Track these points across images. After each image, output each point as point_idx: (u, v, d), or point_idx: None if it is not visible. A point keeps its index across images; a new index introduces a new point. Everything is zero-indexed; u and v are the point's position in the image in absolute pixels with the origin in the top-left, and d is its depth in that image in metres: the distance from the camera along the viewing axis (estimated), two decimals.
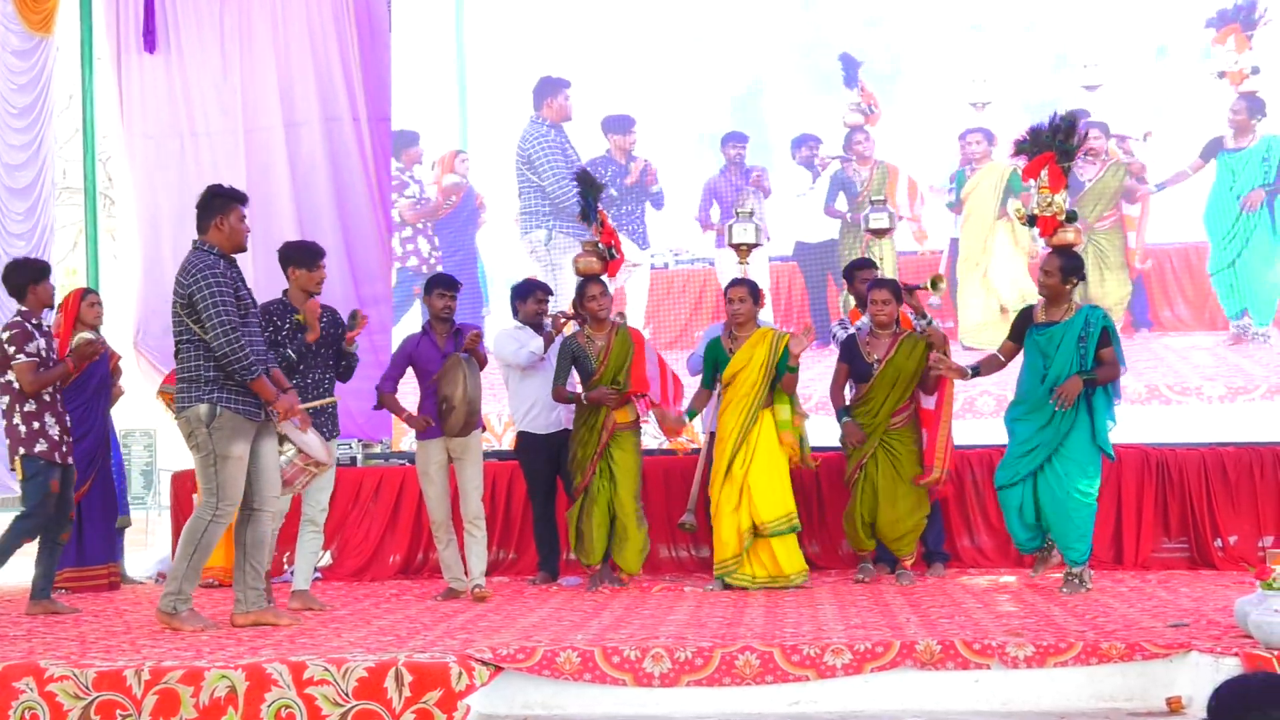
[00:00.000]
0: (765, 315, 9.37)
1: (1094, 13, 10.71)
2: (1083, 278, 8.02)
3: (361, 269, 11.38)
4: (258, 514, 7.05)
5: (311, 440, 7.36)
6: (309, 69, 11.48)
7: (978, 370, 8.35)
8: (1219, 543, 9.35)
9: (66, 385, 8.43)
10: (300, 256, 7.96)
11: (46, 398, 7.98)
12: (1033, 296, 9.54)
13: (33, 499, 7.95)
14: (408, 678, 5.61)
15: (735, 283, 8.70)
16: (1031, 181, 8.03)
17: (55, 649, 6.34)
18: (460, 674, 5.66)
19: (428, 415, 8.34)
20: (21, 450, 7.93)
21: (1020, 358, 8.17)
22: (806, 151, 10.89)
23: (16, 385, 7.91)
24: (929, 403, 8.71)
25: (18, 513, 8.12)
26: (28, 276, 8.12)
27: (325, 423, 7.94)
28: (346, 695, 5.59)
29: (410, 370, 8.62)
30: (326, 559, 10.07)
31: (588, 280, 8.68)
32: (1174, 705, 5.67)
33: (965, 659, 5.85)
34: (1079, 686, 5.81)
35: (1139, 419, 10.01)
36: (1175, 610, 6.98)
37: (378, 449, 11.15)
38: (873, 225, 9.30)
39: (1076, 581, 7.87)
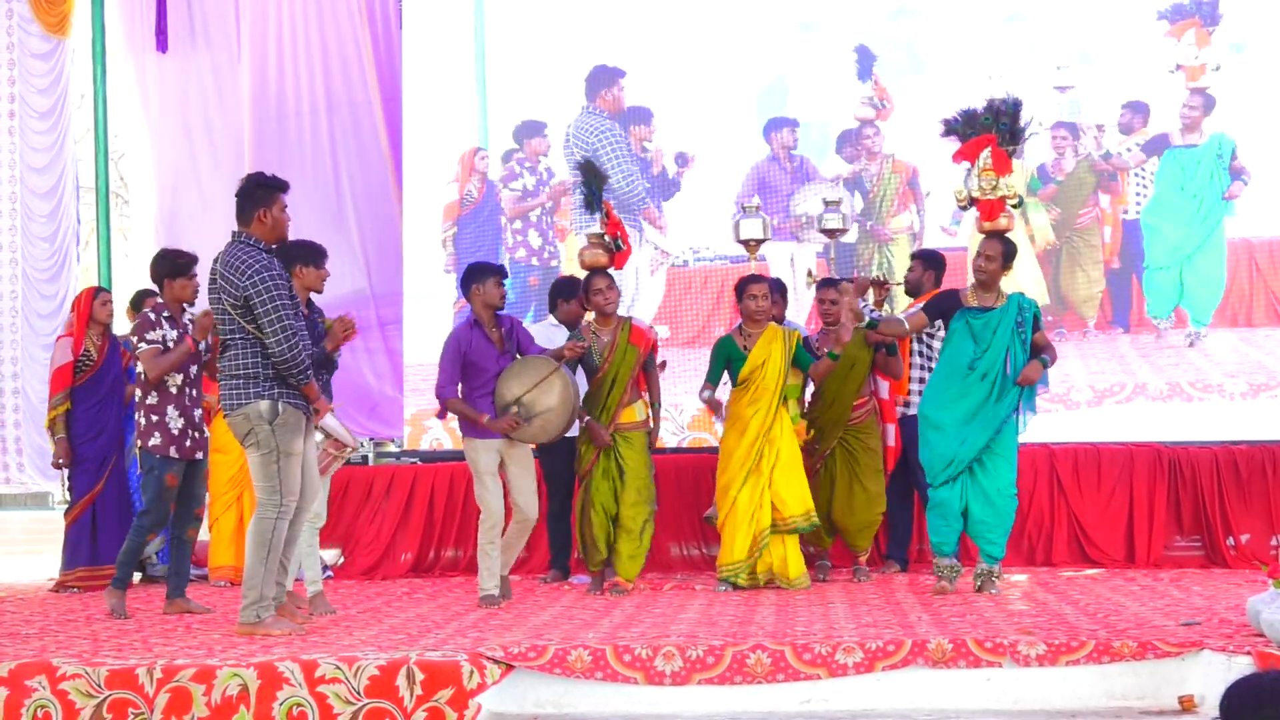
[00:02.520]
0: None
1: (1078, 10, 10.56)
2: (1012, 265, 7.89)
3: (375, 262, 11.40)
4: (298, 513, 6.92)
5: (336, 425, 7.34)
6: (318, 60, 11.52)
7: (875, 324, 8.10)
8: (1231, 541, 9.35)
9: (211, 371, 8.18)
10: (308, 255, 7.56)
11: (173, 390, 7.79)
12: (1044, 293, 9.58)
13: (148, 494, 7.81)
14: (419, 676, 5.62)
15: (755, 279, 8.52)
16: (966, 164, 7.88)
17: (68, 647, 6.36)
18: (472, 672, 5.66)
19: (484, 414, 7.84)
20: (139, 443, 7.81)
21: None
22: (850, 150, 10.72)
23: (143, 376, 7.77)
24: (884, 392, 8.89)
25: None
26: (165, 270, 7.96)
27: None
28: (358, 693, 5.60)
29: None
30: (334, 556, 10.09)
31: (594, 273, 8.41)
32: (1186, 704, 5.66)
33: (977, 657, 5.84)
34: (1091, 685, 5.80)
35: (1159, 416, 9.93)
36: (1187, 609, 6.97)
37: (390, 447, 11.15)
38: (826, 225, 9.07)
39: (995, 579, 7.81)
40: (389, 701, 5.58)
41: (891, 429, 9.03)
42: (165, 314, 7.85)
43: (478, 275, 7.97)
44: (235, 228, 6.74)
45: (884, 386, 8.95)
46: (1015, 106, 7.80)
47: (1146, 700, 5.75)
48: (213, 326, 7.67)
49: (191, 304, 8.15)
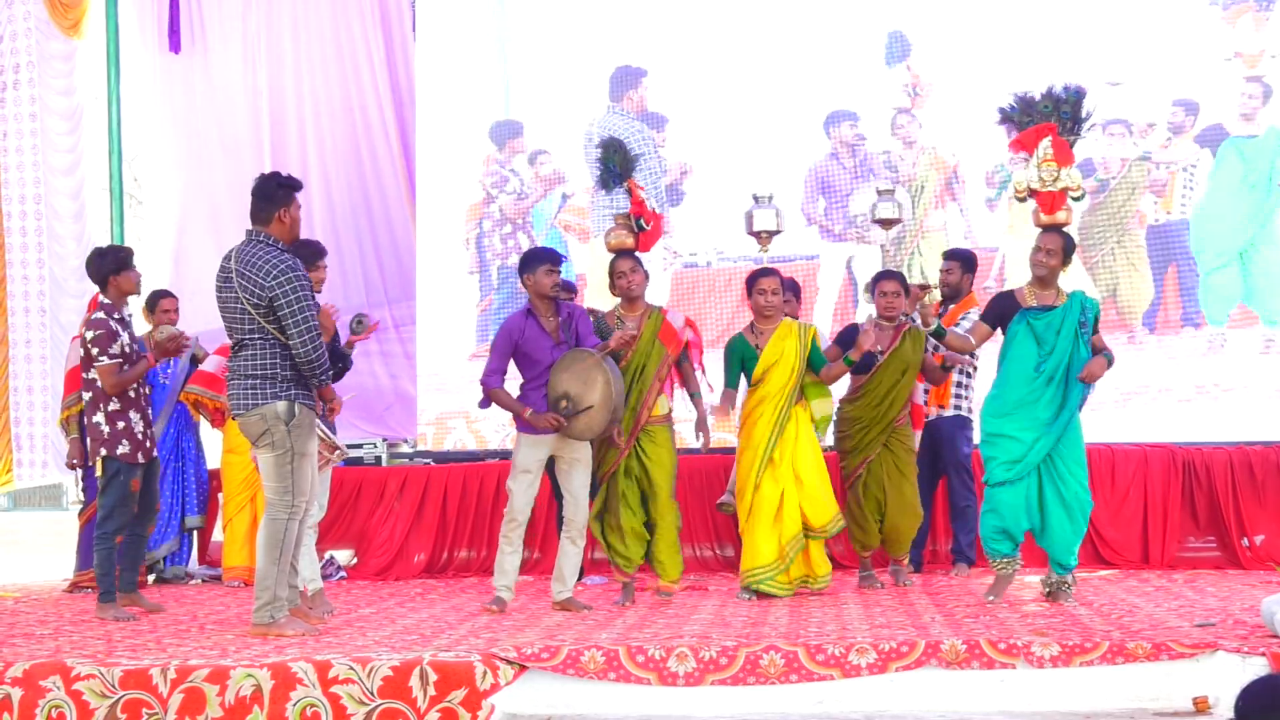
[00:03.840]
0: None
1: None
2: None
3: (388, 264, 11.41)
4: (305, 513, 6.91)
5: (324, 429, 7.37)
6: (331, 62, 11.56)
7: (942, 335, 7.58)
8: (1246, 542, 9.30)
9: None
10: (302, 254, 7.31)
11: (131, 394, 7.83)
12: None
13: (110, 500, 7.80)
14: (433, 677, 5.62)
15: (765, 272, 8.07)
16: (1023, 154, 7.51)
17: (82, 648, 6.37)
18: (485, 673, 5.67)
19: (534, 409, 7.49)
20: (104, 451, 7.78)
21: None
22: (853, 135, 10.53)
23: (100, 384, 7.79)
24: (920, 398, 8.63)
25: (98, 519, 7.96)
26: (110, 266, 7.95)
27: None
28: (371, 694, 5.60)
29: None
30: (347, 557, 10.10)
31: (618, 256, 7.98)
32: (1200, 705, 5.65)
33: (991, 659, 5.83)
34: (1105, 686, 5.79)
35: (1182, 416, 9.82)
36: (1202, 610, 6.96)
37: (403, 448, 11.16)
38: (880, 215, 8.74)
39: (1069, 588, 7.38)
40: (402, 702, 5.59)
41: (918, 435, 8.71)
42: (116, 316, 7.88)
43: (528, 264, 7.67)
44: (250, 226, 6.72)
45: (919, 391, 8.68)
46: (1077, 94, 7.40)
47: (1160, 701, 5.74)
48: (175, 351, 8.09)
49: (136, 294, 8.26)
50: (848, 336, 8.26)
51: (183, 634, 6.88)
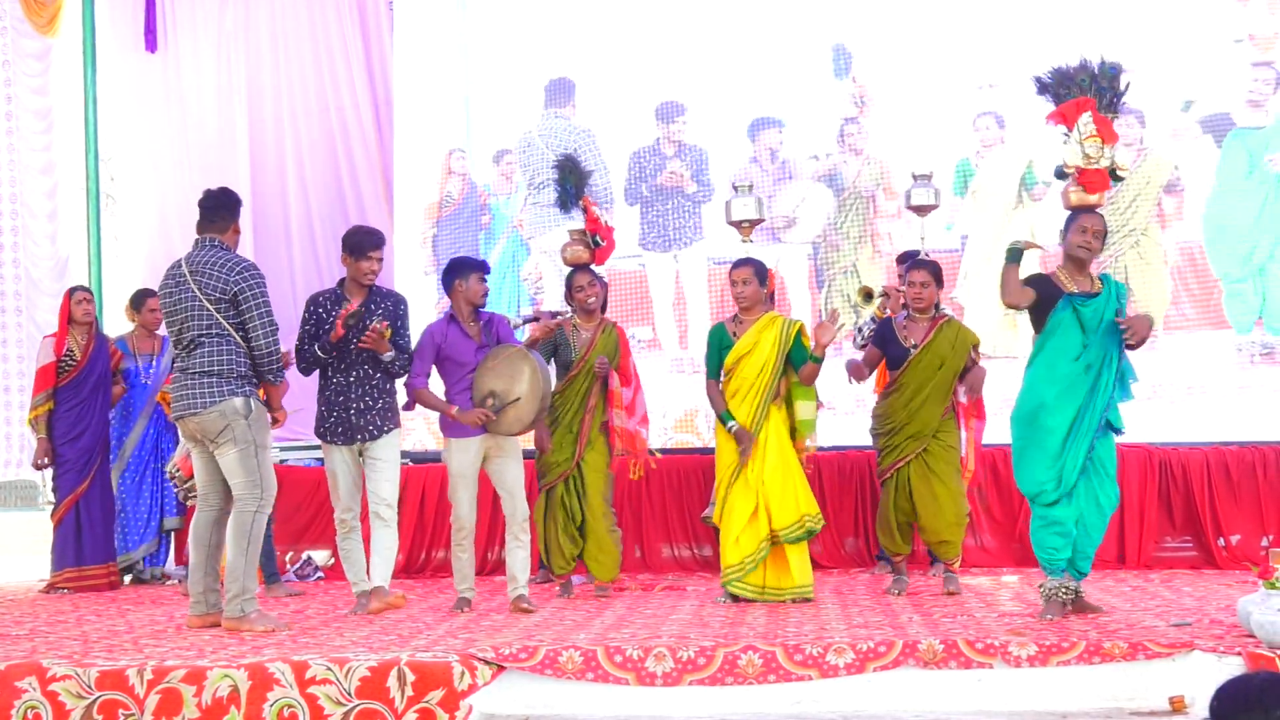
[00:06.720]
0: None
1: None
2: None
3: None
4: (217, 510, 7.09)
5: None
6: (309, 62, 11.53)
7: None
8: (1222, 542, 9.32)
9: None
10: (348, 243, 7.59)
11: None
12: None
13: None
14: (410, 677, 5.62)
15: (740, 263, 7.87)
16: (1063, 129, 6.98)
17: (58, 648, 6.35)
18: (463, 673, 5.66)
19: (453, 405, 7.55)
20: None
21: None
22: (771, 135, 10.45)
23: None
24: (963, 396, 8.07)
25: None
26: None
27: (389, 417, 7.64)
28: (349, 694, 5.59)
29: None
30: (324, 558, 10.07)
31: (576, 270, 8.21)
32: (1176, 704, 5.67)
33: (968, 658, 5.84)
34: (1082, 686, 5.81)
35: (1143, 417, 9.79)
36: (1178, 609, 6.98)
37: None
38: (914, 201, 8.38)
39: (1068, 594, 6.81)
40: (380, 703, 5.58)
41: (966, 436, 8.10)
42: None
43: (460, 270, 7.71)
44: (199, 235, 7.00)
45: (959, 390, 8.19)
46: (1113, 71, 6.88)
47: (1137, 701, 5.76)
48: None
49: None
50: (882, 334, 7.98)
51: (159, 634, 6.86)
